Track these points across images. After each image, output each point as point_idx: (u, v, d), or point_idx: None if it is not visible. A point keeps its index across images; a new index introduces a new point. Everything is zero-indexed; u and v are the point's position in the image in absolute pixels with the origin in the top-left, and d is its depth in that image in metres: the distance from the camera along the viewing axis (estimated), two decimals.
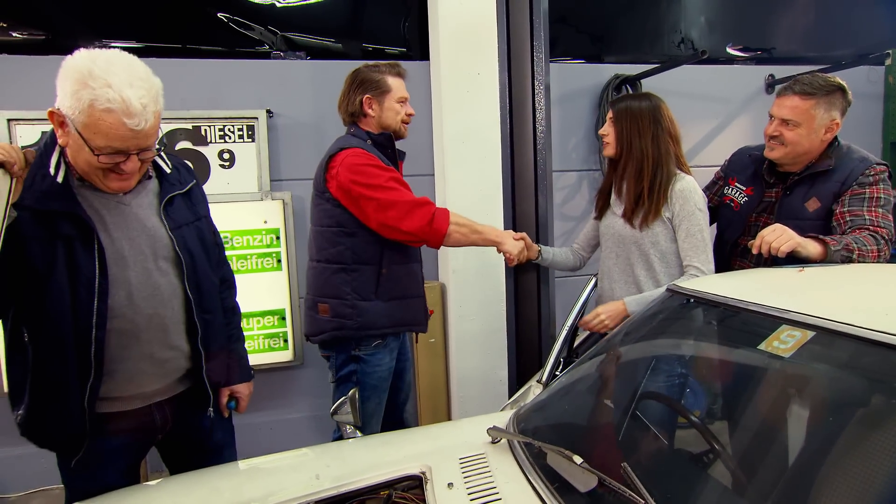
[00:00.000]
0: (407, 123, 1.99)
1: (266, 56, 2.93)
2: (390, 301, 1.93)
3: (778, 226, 1.59)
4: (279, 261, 2.88)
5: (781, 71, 3.56)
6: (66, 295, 1.28)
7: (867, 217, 1.69)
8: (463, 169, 2.74)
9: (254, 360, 2.76)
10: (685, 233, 1.77)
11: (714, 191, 2.14)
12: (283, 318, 2.91)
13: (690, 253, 1.76)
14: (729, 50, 3.67)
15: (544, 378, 1.87)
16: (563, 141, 3.26)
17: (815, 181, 1.83)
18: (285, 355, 2.92)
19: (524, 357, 2.42)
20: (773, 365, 1.00)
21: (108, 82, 1.21)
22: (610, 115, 1.88)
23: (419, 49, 3.07)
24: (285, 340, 2.92)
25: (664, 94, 3.42)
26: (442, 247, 2.00)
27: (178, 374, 1.50)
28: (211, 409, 1.57)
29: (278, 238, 2.87)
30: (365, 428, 1.95)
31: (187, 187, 1.54)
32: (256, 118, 2.80)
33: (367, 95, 1.94)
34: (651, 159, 1.80)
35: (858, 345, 0.86)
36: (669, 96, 3.45)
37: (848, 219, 1.70)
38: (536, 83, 2.25)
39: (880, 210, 1.69)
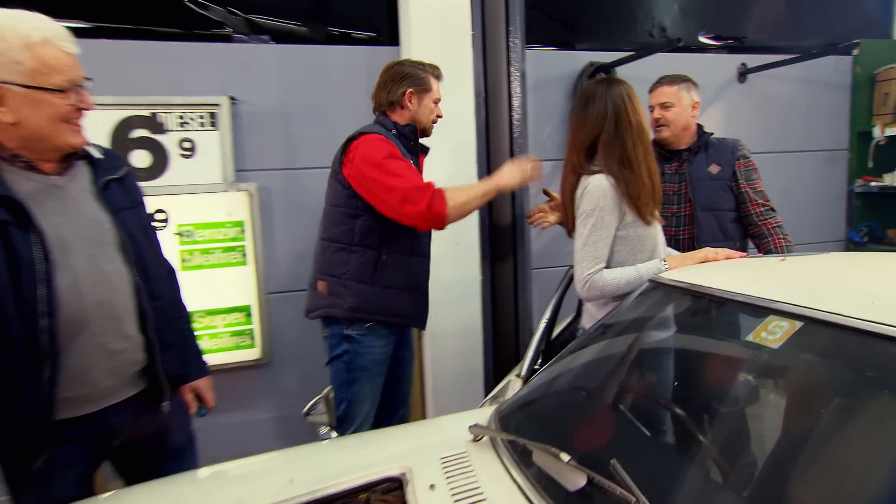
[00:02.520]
0: (435, 123, 2.13)
1: (227, 39, 2.83)
2: (386, 289, 1.98)
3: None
4: (245, 255, 2.80)
5: (753, 60, 3.62)
6: (5, 282, 1.21)
7: (760, 189, 2.36)
8: (436, 159, 2.71)
9: (219, 358, 2.78)
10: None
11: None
12: (250, 315, 2.84)
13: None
14: (701, 38, 3.72)
15: (524, 372, 1.87)
16: (537, 130, 3.25)
17: (707, 151, 2.39)
18: (252, 353, 2.86)
19: (501, 350, 2.41)
20: (762, 356, 1.00)
21: (26, 22, 1.23)
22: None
23: (389, 34, 3.01)
24: (252, 338, 2.85)
25: (638, 81, 3.40)
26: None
27: (132, 368, 1.45)
28: (167, 402, 1.51)
29: (244, 231, 2.79)
30: (357, 412, 1.99)
31: (121, 173, 1.52)
32: (219, 105, 2.72)
33: (410, 89, 2.05)
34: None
35: (846, 335, 0.87)
36: (643, 84, 3.48)
37: (758, 191, 2.36)
38: (512, 70, 2.23)
39: (759, 179, 2.38)
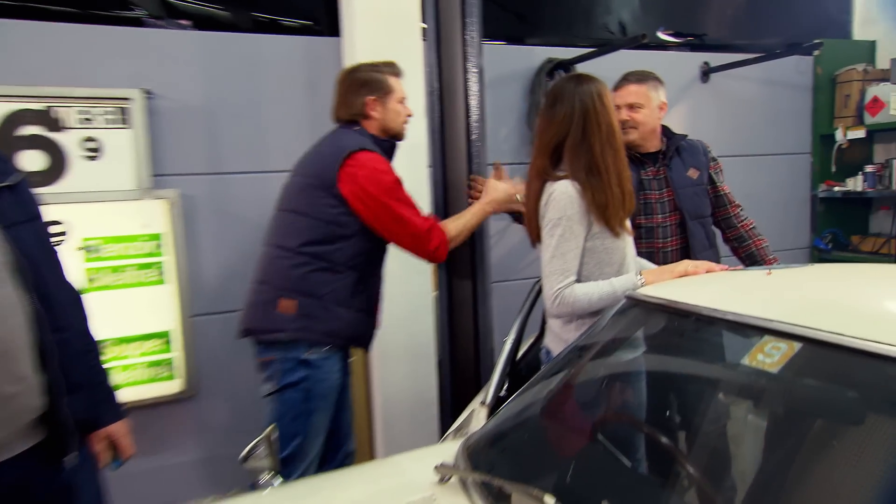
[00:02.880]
0: (406, 124, 2.17)
1: (140, 23, 2.70)
2: (358, 312, 2.06)
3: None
4: (163, 272, 2.68)
5: (716, 59, 3.78)
6: None
7: (728, 190, 2.48)
8: None
9: (134, 393, 2.64)
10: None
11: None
12: (170, 342, 2.71)
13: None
14: (660, 35, 3.85)
15: (489, 399, 1.85)
16: (492, 131, 3.26)
17: (681, 155, 2.45)
18: (173, 386, 2.73)
19: (460, 374, 2.39)
20: (760, 381, 1.01)
21: None
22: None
23: (327, 23, 2.95)
24: (173, 368, 2.72)
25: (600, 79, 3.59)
26: None
27: (28, 416, 1.32)
28: (73, 455, 1.39)
29: (162, 245, 2.68)
30: (310, 448, 1.99)
31: (13, 180, 1.40)
32: (130, 99, 2.58)
33: (370, 97, 2.08)
34: None
35: (850, 356, 0.89)
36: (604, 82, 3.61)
37: (728, 192, 2.49)
38: (469, 66, 2.22)
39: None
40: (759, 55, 3.68)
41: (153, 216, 2.64)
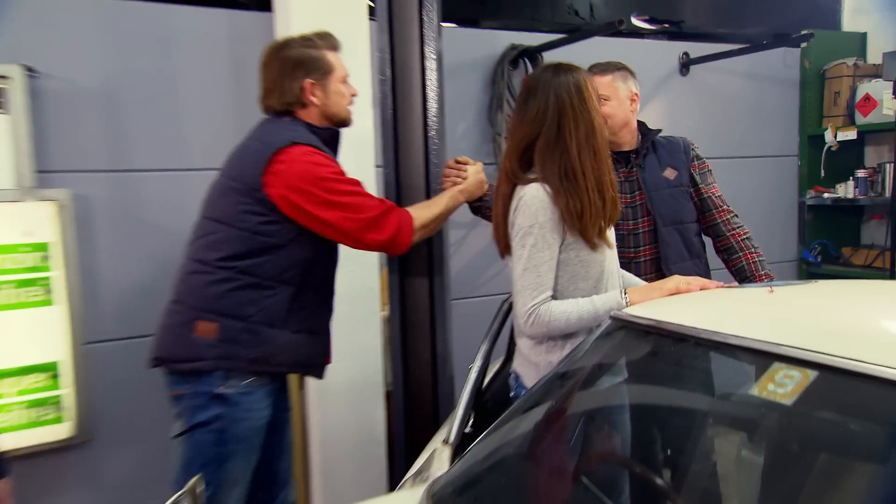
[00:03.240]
0: (352, 105, 2.14)
1: None
2: (297, 333, 2.03)
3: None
4: (51, 291, 2.58)
5: (696, 49, 3.93)
6: None
7: (720, 194, 2.54)
8: None
9: (11, 440, 2.51)
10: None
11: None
12: (58, 376, 2.60)
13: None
14: (634, 20, 3.98)
15: (452, 437, 1.85)
16: (449, 126, 3.28)
17: (657, 152, 2.50)
18: (61, 430, 2.63)
19: (414, 407, 2.38)
20: (773, 415, 1.05)
21: None
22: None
23: None
24: (61, 408, 2.61)
25: None
26: None
27: None
28: None
29: (49, 257, 2.58)
30: (222, 500, 1.94)
31: None
32: (8, 78, 2.49)
33: (308, 80, 2.02)
34: None
35: (874, 386, 0.93)
36: None
37: (719, 195, 2.54)
38: (427, 51, 2.22)
39: (716, 183, 2.57)
40: (743, 46, 3.85)
41: (37, 222, 2.55)
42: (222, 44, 2.86)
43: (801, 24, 4.11)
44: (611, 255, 1.90)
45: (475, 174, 2.26)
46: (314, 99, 2.04)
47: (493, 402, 2.18)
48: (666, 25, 4.04)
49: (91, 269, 2.69)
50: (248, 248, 1.95)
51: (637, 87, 2.51)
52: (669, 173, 2.48)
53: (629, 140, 2.50)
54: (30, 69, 2.53)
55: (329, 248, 2.09)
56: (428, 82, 2.29)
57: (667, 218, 2.42)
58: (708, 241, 2.58)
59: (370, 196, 2.04)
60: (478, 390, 2.04)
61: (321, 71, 2.04)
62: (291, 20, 2.61)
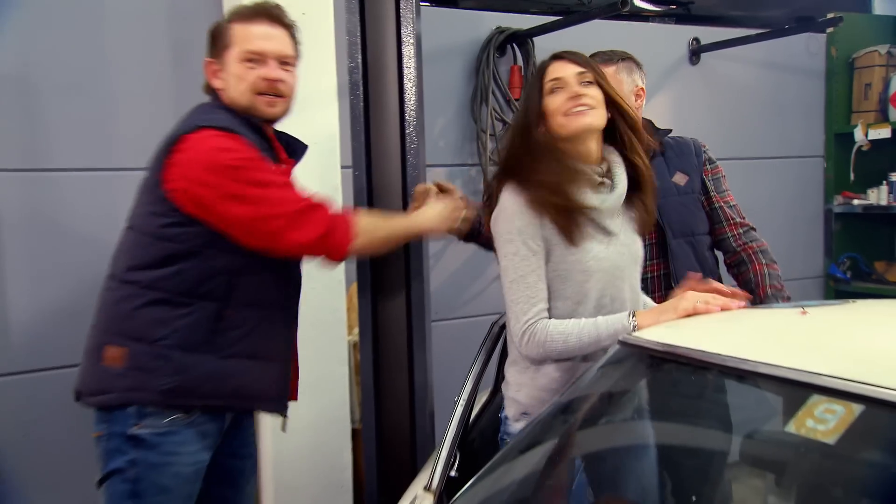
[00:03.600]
0: (267, 95, 1.98)
1: None
2: (230, 359, 1.94)
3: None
4: None
5: (708, 35, 3.99)
6: None
7: (734, 204, 2.54)
8: None
9: None
10: None
11: None
12: None
13: None
14: (636, 2, 4.03)
15: (435, 482, 1.84)
16: (426, 122, 3.31)
17: (665, 155, 2.52)
18: None
19: (388, 447, 2.36)
20: (813, 455, 1.06)
21: None
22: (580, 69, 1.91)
23: None
24: None
25: None
26: None
27: None
28: None
29: None
30: None
31: None
32: None
33: (207, 59, 2.00)
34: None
35: None
36: None
37: (732, 206, 2.55)
38: (404, 33, 2.22)
39: (730, 190, 2.58)
40: (760, 31, 3.91)
41: None
42: (160, 22, 2.86)
43: (826, 7, 4.16)
44: (611, 267, 1.91)
45: (440, 210, 2.16)
46: (216, 81, 2.00)
47: (481, 440, 2.17)
48: (673, 7, 4.10)
49: None
50: (153, 258, 1.89)
51: (643, 80, 2.52)
52: (679, 178, 2.49)
53: None
54: None
55: (263, 252, 1.97)
56: (405, 70, 2.28)
57: (677, 229, 2.43)
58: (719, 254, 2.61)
59: (291, 188, 1.95)
60: (464, 427, 2.04)
61: (218, 46, 1.98)
62: None
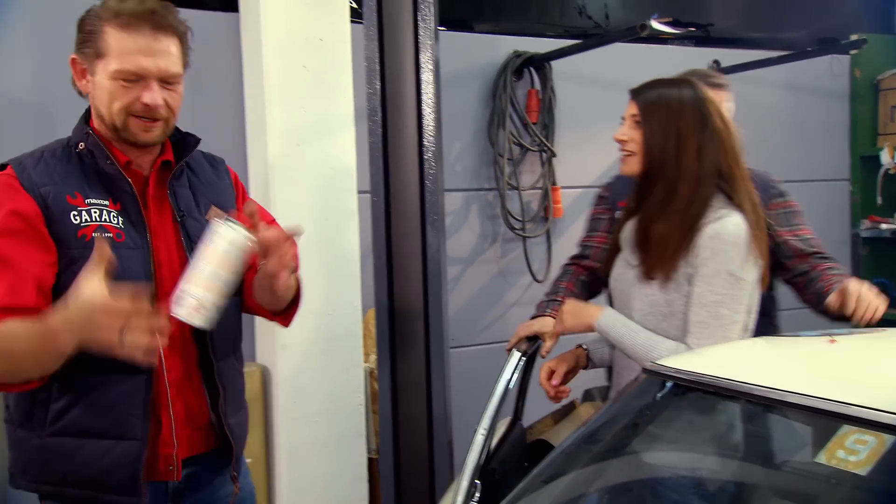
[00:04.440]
0: (144, 118, 1.60)
1: None
2: (60, 437, 1.63)
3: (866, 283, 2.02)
4: None
5: (728, 56, 4.00)
6: None
7: (808, 237, 2.41)
8: (299, 189, 2.71)
9: None
10: (696, 300, 1.82)
11: (605, 228, 2.44)
12: None
13: (691, 329, 1.82)
14: (653, 23, 4.05)
15: None
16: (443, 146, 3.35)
17: None
18: None
19: (405, 477, 2.36)
20: (844, 486, 1.05)
21: None
22: (633, 111, 1.95)
23: None
24: None
25: (579, 80, 3.72)
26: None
27: None
28: None
29: None
30: None
31: None
32: None
33: (73, 56, 1.65)
34: (688, 180, 1.87)
35: None
36: (587, 84, 3.74)
37: (806, 239, 2.41)
38: (422, 59, 2.26)
39: (805, 224, 2.47)
40: (783, 53, 3.92)
41: None
42: None
43: (850, 28, 4.18)
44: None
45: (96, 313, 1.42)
46: (83, 84, 1.65)
47: (502, 470, 2.17)
48: (692, 30, 4.12)
49: None
50: None
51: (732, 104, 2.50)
52: None
53: None
54: None
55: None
56: (424, 96, 2.30)
57: None
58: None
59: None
60: (487, 457, 2.03)
61: (88, 48, 1.59)
62: (263, 22, 2.65)
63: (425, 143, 2.32)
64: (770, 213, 2.39)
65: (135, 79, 1.58)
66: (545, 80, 3.55)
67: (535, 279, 3.61)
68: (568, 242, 3.69)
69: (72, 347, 1.42)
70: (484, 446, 2.01)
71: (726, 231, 1.83)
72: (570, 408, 3.24)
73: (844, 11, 4.34)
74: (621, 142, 1.97)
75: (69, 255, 1.57)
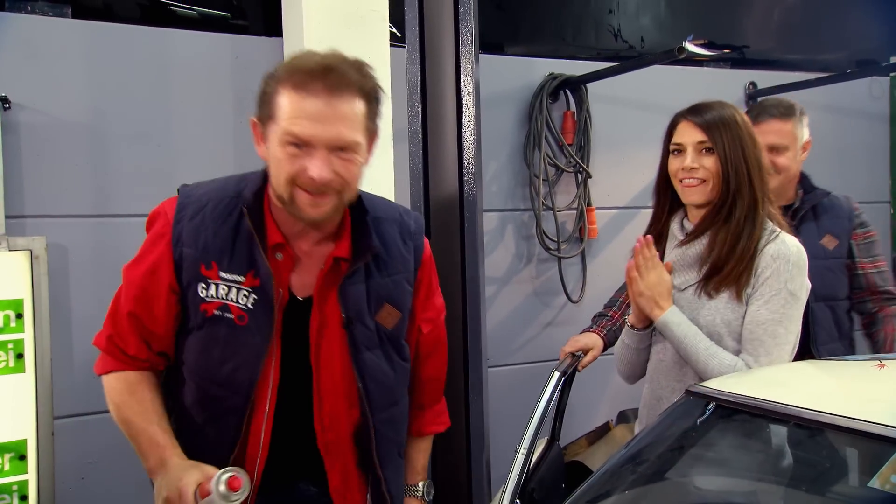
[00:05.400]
0: (309, 192, 1.50)
1: None
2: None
3: None
4: (21, 356, 2.58)
5: (764, 79, 4.00)
6: None
7: (883, 269, 2.49)
8: None
9: None
10: (753, 317, 1.83)
11: None
12: (24, 458, 2.59)
13: (747, 346, 1.83)
14: (688, 45, 4.06)
15: None
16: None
17: (817, 217, 2.48)
18: None
19: (443, 498, 2.36)
20: None
21: None
22: (697, 138, 1.92)
23: (262, 16, 3.02)
24: (23, 498, 2.57)
25: (614, 102, 3.73)
26: None
27: None
28: None
29: (21, 316, 2.58)
30: None
31: None
32: None
33: (252, 118, 1.61)
34: (765, 198, 1.90)
35: None
36: (622, 106, 3.75)
37: (881, 272, 2.49)
38: (463, 81, 2.29)
39: (882, 255, 2.55)
40: (821, 75, 3.91)
41: (6, 275, 2.56)
42: (224, 73, 2.94)
43: (888, 49, 4.17)
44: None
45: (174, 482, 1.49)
46: (259, 148, 1.60)
47: (540, 490, 2.17)
48: (727, 52, 4.12)
49: (65, 329, 2.72)
50: None
51: (809, 130, 2.51)
52: (829, 241, 2.46)
53: (789, 195, 2.50)
54: (2, 99, 2.60)
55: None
56: (464, 119, 2.33)
57: (819, 292, 2.31)
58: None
59: (124, 299, 1.64)
60: (526, 477, 2.04)
61: (263, 110, 1.54)
62: (303, 45, 2.68)
63: (465, 164, 2.35)
64: (853, 242, 2.48)
65: (302, 145, 1.47)
66: (581, 101, 3.57)
67: (569, 299, 3.60)
68: (602, 263, 3.71)
69: (151, 474, 1.57)
70: (524, 466, 2.03)
71: (789, 251, 1.86)
72: (605, 429, 3.24)
73: (884, 32, 4.32)
74: (690, 170, 1.93)
75: (188, 325, 1.61)
